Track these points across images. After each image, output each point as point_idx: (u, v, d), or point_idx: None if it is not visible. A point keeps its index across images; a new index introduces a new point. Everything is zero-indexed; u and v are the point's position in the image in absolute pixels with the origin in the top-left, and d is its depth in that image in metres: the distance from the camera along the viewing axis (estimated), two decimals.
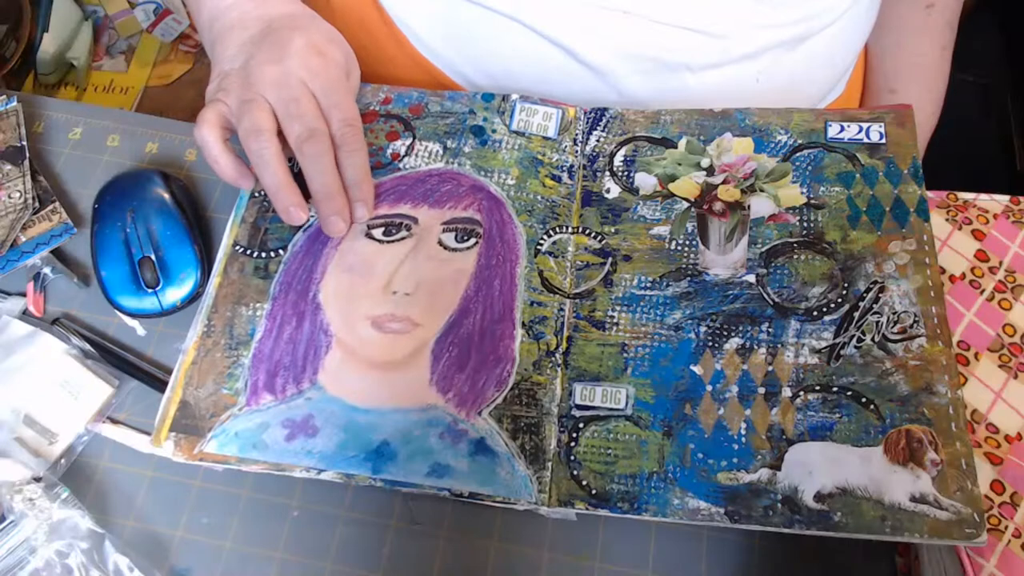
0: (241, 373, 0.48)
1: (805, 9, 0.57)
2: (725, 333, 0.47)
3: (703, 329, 0.47)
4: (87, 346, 0.52)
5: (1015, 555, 0.42)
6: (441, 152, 0.54)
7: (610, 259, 0.50)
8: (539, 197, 0.53)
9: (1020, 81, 1.14)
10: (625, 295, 0.49)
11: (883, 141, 0.51)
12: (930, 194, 0.52)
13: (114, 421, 0.51)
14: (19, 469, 0.47)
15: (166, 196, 0.55)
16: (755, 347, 0.46)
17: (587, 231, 0.51)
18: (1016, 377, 0.47)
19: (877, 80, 0.71)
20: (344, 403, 0.47)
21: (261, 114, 0.48)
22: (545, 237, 0.51)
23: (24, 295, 0.54)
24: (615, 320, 0.48)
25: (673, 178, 0.52)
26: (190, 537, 0.48)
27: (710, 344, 0.47)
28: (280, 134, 0.50)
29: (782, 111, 0.53)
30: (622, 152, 0.54)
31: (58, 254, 0.56)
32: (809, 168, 0.51)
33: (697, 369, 0.46)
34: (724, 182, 0.52)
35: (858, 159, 0.51)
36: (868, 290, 0.47)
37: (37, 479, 0.47)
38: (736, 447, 0.44)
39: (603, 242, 0.51)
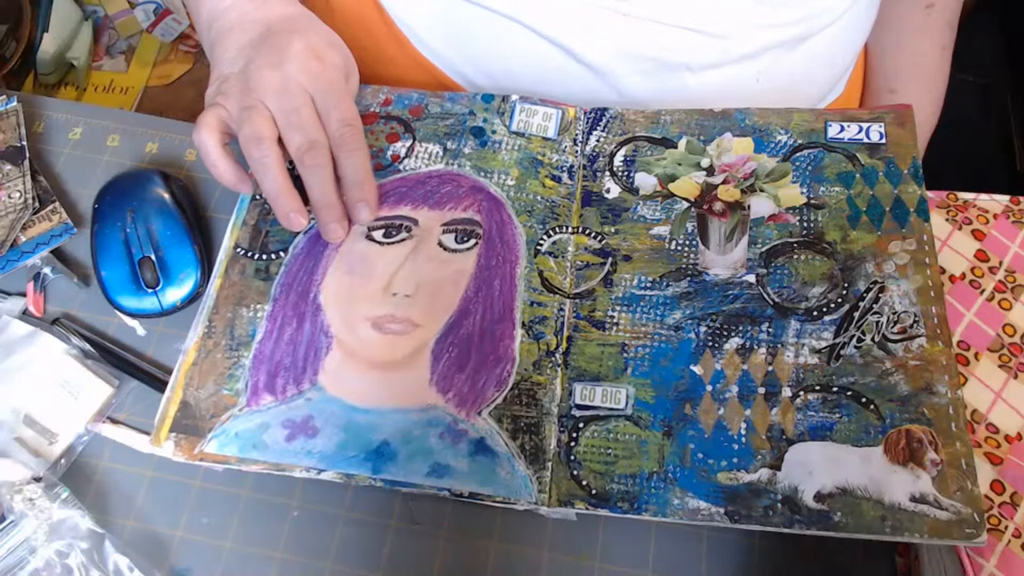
0: (241, 374, 0.48)
1: (805, 9, 0.57)
2: (725, 333, 0.47)
3: (703, 329, 0.47)
4: (87, 346, 0.52)
5: (1015, 555, 0.42)
6: (441, 153, 0.54)
7: (610, 259, 0.50)
8: (539, 197, 0.53)
9: (1020, 81, 1.14)
10: (625, 295, 0.49)
11: (883, 141, 0.51)
12: (930, 194, 0.52)
13: (114, 421, 0.51)
14: (19, 469, 0.47)
15: (166, 196, 0.55)
16: (755, 347, 0.46)
17: (587, 231, 0.51)
18: (1016, 377, 0.47)
19: (877, 80, 0.71)
20: (344, 403, 0.47)
21: (262, 121, 0.49)
22: (545, 237, 0.51)
23: (24, 295, 0.54)
24: (615, 320, 0.48)
25: (673, 178, 0.52)
26: (190, 537, 0.48)
27: (710, 344, 0.47)
28: (280, 140, 0.50)
29: (782, 111, 0.53)
30: (622, 152, 0.54)
31: (58, 254, 0.56)
32: (809, 168, 0.51)
33: (697, 369, 0.46)
34: (724, 182, 0.52)
35: (858, 159, 0.51)
36: (868, 290, 0.47)
37: (37, 479, 0.47)
38: (736, 447, 0.44)
39: (603, 242, 0.51)
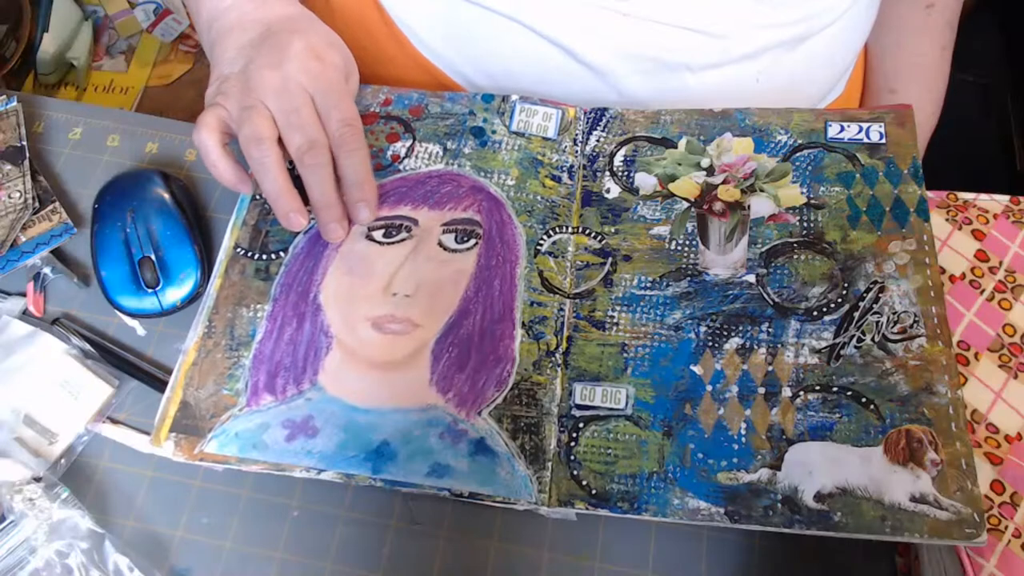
0: (242, 374, 0.48)
1: (805, 9, 0.57)
2: (725, 333, 0.47)
3: (703, 329, 0.47)
4: (87, 346, 0.52)
5: (1015, 555, 0.42)
6: (441, 153, 0.54)
7: (610, 259, 0.50)
8: (539, 197, 0.53)
9: (1020, 81, 1.14)
10: (625, 295, 0.49)
11: (883, 141, 0.51)
12: (930, 194, 0.52)
13: (114, 421, 0.51)
14: (19, 469, 0.47)
15: (166, 196, 0.55)
16: (755, 347, 0.46)
17: (587, 231, 0.51)
18: (1016, 377, 0.47)
19: (877, 80, 0.71)
20: (344, 403, 0.47)
21: (262, 122, 0.49)
22: (545, 237, 0.51)
23: (24, 295, 0.54)
24: (615, 320, 0.48)
25: (673, 178, 0.52)
26: (190, 537, 0.48)
27: (710, 344, 0.47)
28: (280, 140, 0.50)
29: (782, 111, 0.53)
30: (622, 152, 0.54)
31: (58, 254, 0.56)
32: (809, 168, 0.51)
33: (697, 369, 0.46)
34: (724, 182, 0.52)
35: (858, 159, 0.51)
36: (868, 290, 0.47)
37: (37, 479, 0.47)
38: (736, 447, 0.44)
39: (603, 242, 0.51)
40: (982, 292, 0.50)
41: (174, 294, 0.53)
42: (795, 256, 0.49)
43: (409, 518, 0.48)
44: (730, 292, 0.48)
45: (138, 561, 0.46)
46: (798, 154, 0.52)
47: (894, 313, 0.46)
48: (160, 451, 0.46)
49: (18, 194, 0.55)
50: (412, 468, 0.45)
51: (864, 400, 0.44)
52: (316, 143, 0.49)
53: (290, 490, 0.49)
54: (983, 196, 0.54)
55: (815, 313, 0.47)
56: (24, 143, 0.57)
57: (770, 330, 0.47)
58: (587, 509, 0.44)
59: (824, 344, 0.46)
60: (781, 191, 0.51)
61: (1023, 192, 0.54)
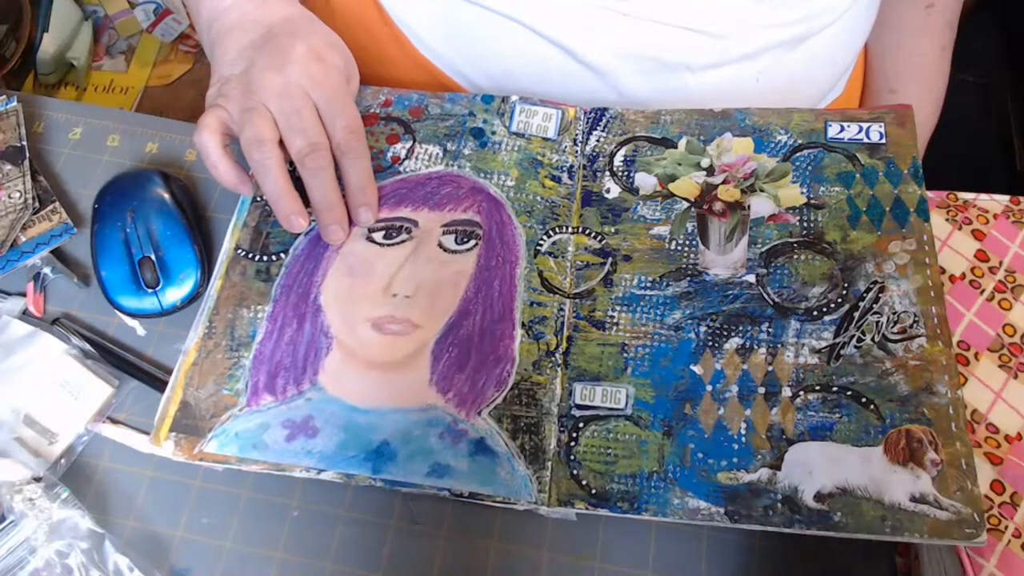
0: (242, 374, 0.48)
1: (805, 9, 0.57)
2: (725, 333, 0.47)
3: (703, 329, 0.47)
4: (87, 346, 0.52)
5: (1015, 555, 0.42)
6: (441, 155, 0.54)
7: (610, 259, 0.50)
8: (539, 198, 0.53)
9: (1020, 81, 1.14)
10: (625, 295, 0.49)
11: (883, 141, 0.51)
12: (930, 194, 0.52)
13: (114, 421, 0.51)
14: (19, 469, 0.47)
15: (166, 196, 0.55)
16: (755, 347, 0.46)
17: (587, 231, 0.51)
18: (1016, 377, 0.47)
19: (877, 80, 0.71)
20: (344, 403, 0.47)
21: (263, 124, 0.49)
22: (545, 237, 0.51)
23: (24, 295, 0.54)
24: (615, 320, 0.48)
25: (673, 178, 0.52)
26: (190, 537, 0.48)
27: (710, 344, 0.47)
28: (281, 143, 0.50)
29: (782, 111, 0.53)
30: (622, 152, 0.54)
31: (58, 254, 0.56)
32: (809, 168, 0.51)
33: (697, 369, 0.46)
34: (724, 182, 0.52)
35: (858, 159, 0.51)
36: (868, 290, 0.47)
37: (37, 479, 0.47)
38: (736, 447, 0.44)
39: (603, 242, 0.51)
40: (982, 292, 0.50)
41: (174, 294, 0.53)
42: (795, 256, 0.49)
43: (409, 518, 0.48)
44: (730, 292, 0.48)
45: (138, 561, 0.46)
46: (798, 154, 0.52)
47: (894, 313, 0.46)
48: (160, 451, 0.46)
49: (18, 194, 0.55)
50: (412, 468, 0.45)
51: (864, 400, 0.44)
52: (317, 146, 0.49)
53: (290, 490, 0.49)
54: (983, 196, 0.54)
55: (815, 313, 0.47)
56: (24, 143, 0.57)
57: (770, 330, 0.47)
58: (587, 509, 0.44)
59: (824, 344, 0.46)
60: (781, 191, 0.51)
61: (1023, 192, 0.54)
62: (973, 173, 1.05)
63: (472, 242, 0.51)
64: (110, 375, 0.51)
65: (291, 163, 0.51)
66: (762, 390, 0.45)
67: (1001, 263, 0.51)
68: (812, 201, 0.50)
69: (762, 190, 0.51)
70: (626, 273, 0.50)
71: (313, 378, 0.47)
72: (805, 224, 0.49)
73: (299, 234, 0.52)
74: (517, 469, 0.45)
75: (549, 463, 0.45)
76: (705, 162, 0.52)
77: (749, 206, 0.51)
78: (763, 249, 0.49)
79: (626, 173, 0.53)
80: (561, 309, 0.49)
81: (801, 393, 0.45)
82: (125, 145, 0.61)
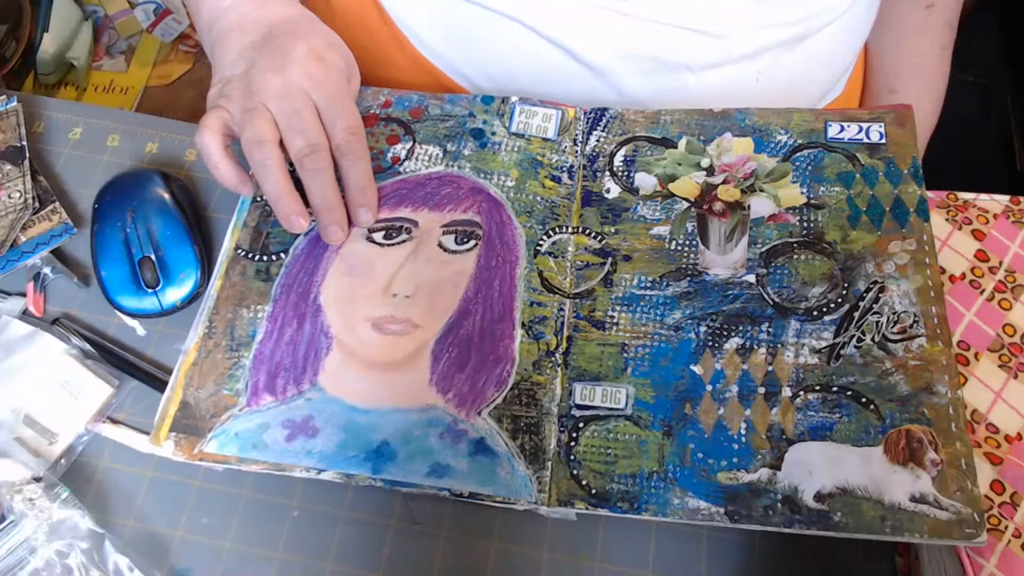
0: (242, 374, 0.48)
1: (805, 9, 0.57)
2: (725, 333, 0.47)
3: (703, 329, 0.47)
4: (87, 346, 0.52)
5: (1015, 555, 0.42)
6: (441, 155, 0.54)
7: (610, 259, 0.50)
8: (539, 198, 0.53)
9: (1020, 81, 1.14)
10: (625, 295, 0.49)
11: (883, 141, 0.51)
12: (930, 194, 0.52)
13: (114, 421, 0.51)
14: (19, 469, 0.47)
15: (166, 196, 0.55)
16: (755, 347, 0.46)
17: (587, 231, 0.51)
18: (1016, 377, 0.47)
19: (877, 80, 0.71)
20: (344, 403, 0.47)
21: (264, 124, 0.49)
22: (545, 238, 0.51)
23: (24, 295, 0.54)
24: (615, 320, 0.48)
25: (673, 178, 0.52)
26: (190, 537, 0.48)
27: (710, 344, 0.47)
28: (282, 143, 0.50)
29: (782, 111, 0.53)
30: (622, 152, 0.54)
31: (58, 254, 0.56)
32: (809, 168, 0.51)
33: (697, 369, 0.46)
34: (724, 182, 0.52)
35: (858, 159, 0.51)
36: (868, 290, 0.47)
37: (37, 479, 0.47)
38: (736, 447, 0.44)
39: (603, 242, 0.51)
40: (982, 292, 0.50)
41: (174, 294, 0.53)
42: (795, 256, 0.49)
43: (409, 518, 0.48)
44: (730, 292, 0.48)
45: (138, 561, 0.46)
46: (798, 154, 0.52)
47: (894, 313, 0.46)
48: (160, 451, 0.46)
49: (18, 194, 0.55)
50: (412, 468, 0.45)
51: (864, 400, 0.44)
52: (317, 147, 0.49)
53: (290, 490, 0.49)
54: (983, 196, 0.54)
55: (815, 313, 0.47)
56: (24, 143, 0.57)
57: (770, 330, 0.47)
58: (587, 509, 0.44)
59: (824, 344, 0.46)
60: (781, 191, 0.51)
61: (1023, 192, 0.54)
62: (973, 173, 1.05)
63: (472, 242, 0.51)
64: (110, 375, 0.51)
65: (292, 163, 0.51)
66: (762, 390, 0.45)
67: (1001, 263, 0.51)
68: (812, 201, 0.50)
69: (762, 190, 0.51)
70: (626, 273, 0.50)
71: (313, 378, 0.47)
72: (805, 224, 0.49)
73: (299, 234, 0.52)
74: (517, 469, 0.45)
75: (549, 463, 0.45)
76: (705, 162, 0.52)
77: (749, 206, 0.51)
78: (763, 249, 0.49)
79: (626, 173, 0.53)
80: (561, 309, 0.49)
81: (801, 393, 0.45)
82: (125, 145, 0.61)
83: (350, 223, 0.51)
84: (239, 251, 0.52)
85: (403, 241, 0.51)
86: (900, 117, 0.52)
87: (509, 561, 0.47)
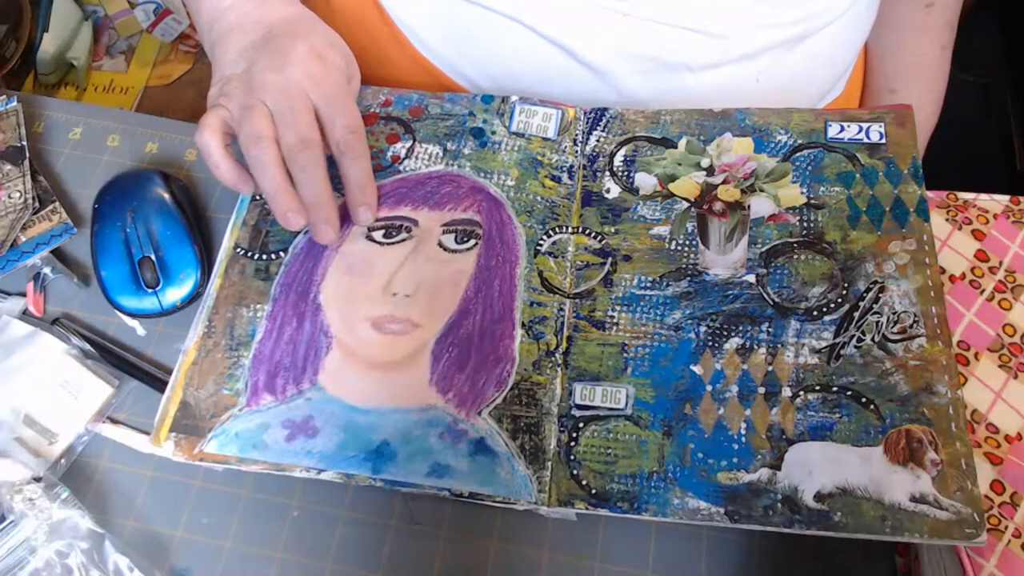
0: (241, 374, 0.48)
1: (805, 9, 0.57)
2: (725, 333, 0.47)
3: (703, 329, 0.47)
4: (87, 346, 0.52)
5: (1015, 555, 0.42)
6: (441, 154, 0.54)
7: (610, 259, 0.50)
8: (539, 198, 0.53)
9: (1020, 81, 1.14)
10: (625, 295, 0.49)
11: (883, 141, 0.51)
12: (930, 194, 0.52)
13: (114, 421, 0.51)
14: (19, 469, 0.47)
15: (166, 196, 0.55)
16: (755, 347, 0.46)
17: (587, 231, 0.51)
18: (1016, 377, 0.47)
19: (877, 80, 0.71)
20: (344, 403, 0.47)
21: (261, 120, 0.48)
22: (545, 237, 0.51)
23: (24, 295, 0.54)
24: (615, 320, 0.48)
25: (673, 178, 0.52)
26: (190, 537, 0.48)
27: (710, 344, 0.47)
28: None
29: (782, 111, 0.53)
30: (622, 152, 0.54)
31: (58, 254, 0.56)
32: (809, 168, 0.51)
33: (697, 369, 0.46)
34: (724, 182, 0.52)
35: (858, 159, 0.51)
36: (868, 290, 0.47)
37: (37, 479, 0.47)
38: (736, 447, 0.44)
39: (603, 242, 0.51)
40: (982, 292, 0.50)
41: (174, 294, 0.53)
42: (795, 256, 0.49)
43: (409, 518, 0.48)
44: (730, 292, 0.48)
45: (138, 561, 0.46)
46: (798, 154, 0.52)
47: (894, 313, 0.46)
48: (160, 451, 0.46)
49: (18, 194, 0.55)
50: (412, 468, 0.45)
51: (864, 400, 0.44)
52: (308, 141, 0.49)
53: (290, 490, 0.49)
54: (983, 196, 0.54)
55: (815, 313, 0.47)
56: (24, 143, 0.57)
57: (770, 330, 0.47)
58: (587, 509, 0.44)
59: (824, 344, 0.46)
60: (781, 191, 0.51)
61: (1023, 192, 0.54)
62: (973, 173, 1.05)
63: (472, 241, 0.51)
64: (110, 375, 0.51)
65: None
66: (762, 390, 0.45)
67: (1001, 263, 0.51)
68: (812, 201, 0.50)
69: (762, 190, 0.51)
70: (626, 273, 0.50)
71: (313, 378, 0.47)
72: (805, 224, 0.49)
73: (298, 232, 0.52)
74: (517, 469, 0.45)
75: (549, 463, 0.45)
76: (705, 162, 0.52)
77: (749, 206, 0.51)
78: (763, 249, 0.49)
79: (626, 173, 0.53)
80: (561, 309, 0.49)
81: (801, 393, 0.45)
82: (125, 145, 0.61)
83: (345, 223, 0.51)
84: (238, 249, 0.52)
85: (403, 240, 0.51)
86: (900, 117, 0.52)
87: (509, 561, 0.47)
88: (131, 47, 1.42)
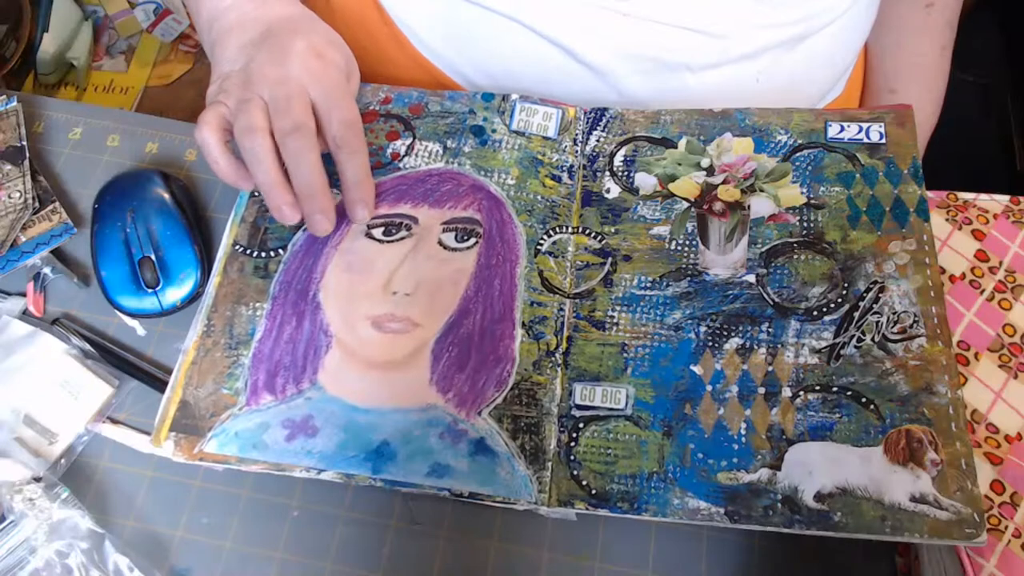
0: (241, 373, 0.48)
1: (805, 9, 0.57)
2: (725, 333, 0.47)
3: (703, 329, 0.47)
4: (87, 346, 0.52)
5: (1015, 555, 0.42)
6: (441, 152, 0.54)
7: (610, 259, 0.50)
8: (539, 197, 0.53)
9: (1020, 81, 1.14)
10: (625, 295, 0.49)
11: (883, 141, 0.51)
12: (930, 194, 0.52)
13: (114, 421, 0.51)
14: (19, 469, 0.47)
15: (166, 196, 0.55)
16: (755, 347, 0.46)
17: (587, 231, 0.51)
18: (1016, 377, 0.47)
19: (877, 80, 0.71)
20: (344, 403, 0.47)
21: (256, 112, 0.48)
22: (545, 237, 0.51)
23: (24, 295, 0.54)
24: (615, 320, 0.48)
25: (673, 178, 0.52)
26: (190, 537, 0.48)
27: (710, 344, 0.47)
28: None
29: (782, 111, 0.53)
30: (622, 152, 0.54)
31: (58, 254, 0.56)
32: (809, 168, 0.51)
33: (697, 369, 0.46)
34: (724, 182, 0.52)
35: (858, 159, 0.51)
36: (868, 290, 0.47)
37: (37, 479, 0.47)
38: (736, 447, 0.44)
39: (603, 242, 0.51)
40: (982, 292, 0.50)
41: (174, 294, 0.53)
42: (795, 256, 0.49)
43: (409, 518, 0.48)
44: (730, 292, 0.48)
45: (138, 561, 0.46)
46: (798, 154, 0.52)
47: (894, 313, 0.46)
48: (160, 451, 0.46)
49: (18, 194, 0.55)
50: (412, 468, 0.45)
51: (864, 400, 0.44)
52: (301, 126, 0.48)
53: (290, 490, 0.49)
54: (983, 196, 0.54)
55: (815, 313, 0.47)
56: (24, 143, 0.57)
57: (770, 330, 0.47)
58: (587, 509, 0.44)
59: (824, 344, 0.46)
60: (781, 191, 0.51)
61: (1023, 192, 0.54)
62: (973, 173, 1.05)
63: (472, 240, 0.51)
64: (110, 375, 0.51)
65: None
66: (762, 390, 0.45)
67: (1001, 263, 0.51)
68: (812, 201, 0.50)
69: (762, 190, 0.51)
70: (626, 273, 0.50)
71: (313, 377, 0.47)
72: (805, 224, 0.49)
73: (297, 229, 0.52)
74: (517, 469, 0.45)
75: (549, 463, 0.45)
76: (705, 162, 0.52)
77: (749, 206, 0.51)
78: (763, 249, 0.49)
79: (626, 173, 0.53)
80: (561, 309, 0.49)
81: (801, 393, 0.45)
82: (125, 145, 0.61)
83: (344, 219, 0.51)
84: (237, 247, 0.52)
85: (403, 238, 0.51)
86: (900, 117, 0.52)
87: (509, 561, 0.47)
88: (131, 47, 1.41)
